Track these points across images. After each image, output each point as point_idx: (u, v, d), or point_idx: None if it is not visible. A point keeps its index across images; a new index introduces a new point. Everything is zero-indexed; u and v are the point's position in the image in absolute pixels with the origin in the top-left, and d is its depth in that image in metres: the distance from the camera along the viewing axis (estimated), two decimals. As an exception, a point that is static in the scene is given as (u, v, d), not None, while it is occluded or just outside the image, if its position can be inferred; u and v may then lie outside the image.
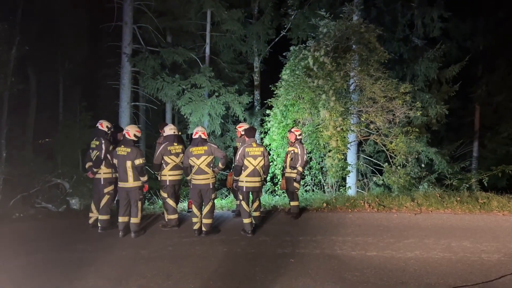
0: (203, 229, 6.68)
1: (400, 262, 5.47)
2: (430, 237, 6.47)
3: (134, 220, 6.66)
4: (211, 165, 6.69)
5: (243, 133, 7.61)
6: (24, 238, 6.77)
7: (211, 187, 6.67)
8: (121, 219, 6.68)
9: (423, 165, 11.47)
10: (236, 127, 8.14)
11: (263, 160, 6.86)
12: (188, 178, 6.78)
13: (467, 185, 10.15)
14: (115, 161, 6.67)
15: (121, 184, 6.65)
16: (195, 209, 6.70)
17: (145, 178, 6.73)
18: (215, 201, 8.23)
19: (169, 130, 7.09)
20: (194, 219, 6.72)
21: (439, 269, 5.22)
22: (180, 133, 7.49)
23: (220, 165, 6.91)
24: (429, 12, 12.97)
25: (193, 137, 6.71)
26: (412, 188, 10.09)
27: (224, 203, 9.02)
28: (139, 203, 6.69)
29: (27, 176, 12.65)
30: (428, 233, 6.68)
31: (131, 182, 6.59)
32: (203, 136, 6.68)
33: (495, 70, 16.28)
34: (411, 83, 10.79)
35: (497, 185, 11.83)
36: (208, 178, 6.65)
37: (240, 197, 6.87)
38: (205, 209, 6.68)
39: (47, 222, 7.98)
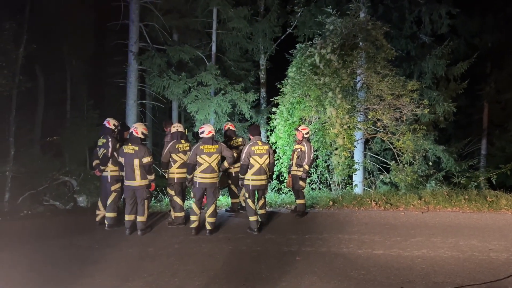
0: (208, 227, 6.65)
1: (407, 261, 5.44)
2: (437, 235, 6.42)
3: (140, 219, 6.67)
4: (219, 163, 6.70)
5: (226, 129, 8.06)
6: (32, 235, 6.82)
7: (217, 185, 6.68)
8: (127, 217, 6.69)
9: (430, 163, 11.37)
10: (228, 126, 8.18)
11: (268, 158, 6.85)
12: (190, 176, 6.71)
13: (475, 183, 10.08)
14: (121, 159, 6.65)
15: (127, 183, 6.64)
16: (195, 207, 6.65)
17: (152, 177, 6.73)
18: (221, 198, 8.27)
19: (173, 128, 7.19)
20: (193, 217, 6.67)
21: (446, 268, 5.18)
22: (186, 131, 7.52)
23: (225, 164, 6.90)
24: (437, 8, 12.86)
25: (206, 135, 6.64)
26: (419, 186, 10.02)
27: (230, 202, 9.02)
28: (146, 202, 6.69)
29: (35, 173, 12.77)
30: (435, 231, 6.64)
31: (138, 181, 6.58)
32: (212, 134, 6.66)
33: (503, 67, 16.11)
34: (419, 81, 10.70)
35: (505, 183, 11.68)
36: (216, 177, 6.67)
37: (246, 195, 6.87)
38: (210, 209, 6.66)
39: (55, 219, 8.04)
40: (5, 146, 12.71)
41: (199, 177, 6.62)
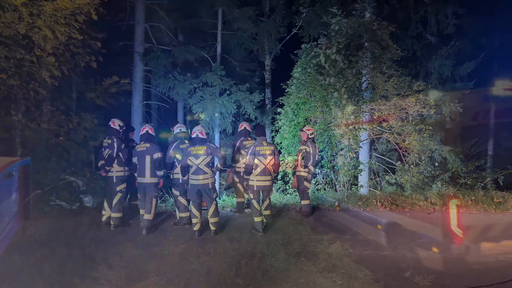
0: (212, 228, 6.66)
1: (413, 262, 5.41)
2: (444, 236, 6.38)
3: (147, 216, 6.74)
4: (210, 165, 6.68)
5: (242, 128, 8.05)
6: (38, 235, 6.85)
7: (210, 186, 6.65)
8: (142, 211, 6.93)
9: (436, 164, 11.31)
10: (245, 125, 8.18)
11: (273, 159, 6.84)
12: (185, 178, 6.72)
13: (482, 184, 10.01)
14: (134, 159, 6.91)
15: (139, 179, 6.89)
16: (194, 210, 6.62)
17: (161, 173, 6.90)
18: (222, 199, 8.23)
19: (176, 128, 7.26)
20: (194, 220, 6.65)
21: (453, 269, 5.14)
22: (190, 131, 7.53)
23: (218, 165, 6.86)
24: (443, 8, 12.81)
25: (192, 136, 6.66)
26: (425, 187, 9.97)
27: (235, 202, 9.02)
28: (154, 200, 6.84)
29: (41, 174, 12.81)
30: (442, 232, 6.59)
31: (147, 178, 6.80)
32: (200, 136, 6.62)
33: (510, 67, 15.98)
34: (425, 81, 10.66)
35: (512, 184, 11.64)
36: (208, 178, 6.61)
37: (251, 195, 6.86)
38: (211, 209, 6.66)
39: (61, 219, 8.07)
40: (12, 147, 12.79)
41: (191, 179, 6.63)
